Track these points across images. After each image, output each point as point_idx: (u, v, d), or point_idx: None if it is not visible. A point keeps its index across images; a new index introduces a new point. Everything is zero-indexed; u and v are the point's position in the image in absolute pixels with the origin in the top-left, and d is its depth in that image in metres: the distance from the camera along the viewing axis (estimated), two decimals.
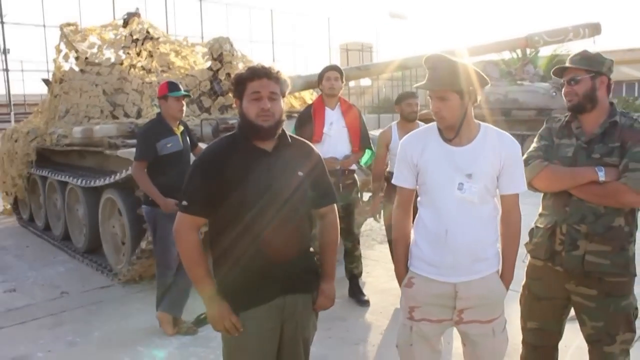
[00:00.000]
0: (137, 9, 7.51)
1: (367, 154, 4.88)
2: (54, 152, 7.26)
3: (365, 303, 4.78)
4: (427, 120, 5.10)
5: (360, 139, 4.69)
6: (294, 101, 7.43)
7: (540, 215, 2.64)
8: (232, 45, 6.76)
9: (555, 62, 24.14)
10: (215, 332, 4.10)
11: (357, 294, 4.88)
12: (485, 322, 2.38)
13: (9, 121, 15.90)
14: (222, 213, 2.11)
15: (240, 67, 7.02)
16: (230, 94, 6.71)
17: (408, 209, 2.50)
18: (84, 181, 5.91)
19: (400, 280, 2.50)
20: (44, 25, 16.69)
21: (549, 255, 2.54)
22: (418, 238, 2.43)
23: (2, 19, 16.12)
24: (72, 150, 6.47)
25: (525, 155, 2.57)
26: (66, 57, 7.15)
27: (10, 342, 4.23)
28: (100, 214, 5.95)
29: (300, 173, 2.20)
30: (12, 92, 17.84)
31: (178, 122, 4.23)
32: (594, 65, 2.45)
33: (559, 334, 2.69)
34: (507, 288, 2.42)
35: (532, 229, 2.66)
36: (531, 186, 2.54)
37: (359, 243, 4.96)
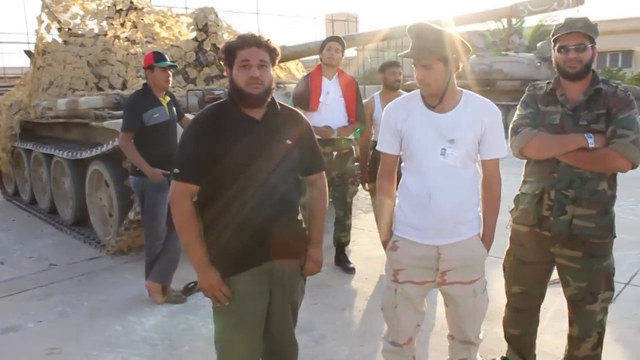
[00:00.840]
0: None
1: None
2: (38, 125, 7.18)
3: (350, 270, 4.88)
4: (411, 90, 5.15)
5: (356, 110, 4.70)
6: (279, 71, 7.41)
7: (525, 182, 2.69)
8: (217, 16, 6.71)
9: (541, 33, 24.13)
10: (204, 300, 4.24)
11: (343, 262, 4.97)
12: (467, 283, 2.45)
13: None
14: (212, 180, 2.14)
15: (226, 38, 7.00)
16: (216, 65, 6.70)
17: (392, 174, 2.55)
18: (69, 153, 5.89)
19: (385, 244, 2.57)
20: None
21: (537, 221, 2.60)
22: (402, 202, 2.49)
23: None
24: (57, 122, 6.42)
25: (512, 124, 2.62)
26: (48, 28, 7.05)
27: (0, 313, 4.27)
28: (87, 186, 5.95)
29: (288, 141, 2.23)
30: None
31: (164, 93, 4.23)
32: (594, 34, 2.47)
33: (541, 297, 2.79)
34: (488, 250, 2.49)
35: (518, 195, 2.72)
36: (522, 154, 2.59)
37: (350, 212, 5.02)
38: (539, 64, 14.55)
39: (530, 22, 23.64)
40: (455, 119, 2.37)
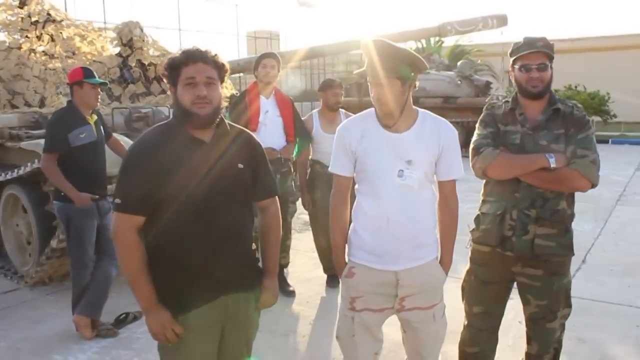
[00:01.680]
0: None
1: (301, 143, 4.79)
2: None
3: (291, 294, 4.73)
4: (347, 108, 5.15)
5: (295, 129, 4.61)
6: None
7: (485, 202, 2.67)
8: (142, 30, 6.44)
9: (458, 52, 25.18)
10: (138, 332, 3.96)
11: (282, 285, 4.79)
12: (426, 308, 2.39)
13: None
14: (156, 209, 1.96)
15: (152, 54, 6.72)
16: (142, 82, 6.40)
17: (346, 197, 2.46)
18: None
19: (340, 271, 2.47)
20: None
21: (499, 241, 2.57)
22: (358, 226, 2.40)
23: None
24: None
25: (472, 144, 2.60)
26: None
27: None
28: (1, 212, 5.46)
29: (240, 165, 2.09)
30: None
31: (91, 111, 3.95)
32: (553, 53, 2.50)
33: (501, 316, 2.76)
34: (447, 273, 2.45)
35: (478, 215, 2.70)
36: (485, 175, 2.57)
37: (290, 232, 4.89)
38: (459, 82, 15.06)
39: (448, 42, 24.58)
40: (412, 139, 2.31)
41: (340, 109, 4.84)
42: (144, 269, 1.96)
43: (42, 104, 5.68)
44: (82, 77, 3.82)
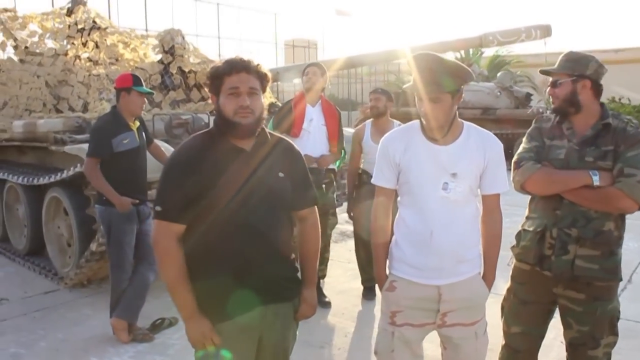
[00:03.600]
0: None
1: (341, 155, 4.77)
2: None
3: (327, 304, 4.68)
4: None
5: (338, 141, 4.59)
6: None
7: (528, 218, 2.58)
8: (184, 38, 6.52)
9: (497, 63, 24.85)
10: (173, 338, 3.97)
11: (318, 296, 4.67)
12: (468, 325, 2.32)
13: None
14: (197, 217, 1.94)
15: (192, 61, 6.80)
16: (182, 89, 6.47)
17: (388, 210, 2.42)
18: (25, 179, 5.52)
19: (381, 284, 2.42)
20: None
21: (537, 259, 2.48)
22: (400, 240, 2.35)
23: None
24: (11, 145, 6.04)
25: (515, 157, 2.52)
26: (3, 46, 6.69)
27: None
28: (44, 214, 5.58)
29: (281, 174, 2.06)
30: None
31: (134, 118, 4.00)
32: (577, 69, 2.41)
33: (541, 338, 2.65)
34: (489, 289, 2.38)
35: (520, 232, 2.61)
36: (523, 189, 2.49)
37: (329, 245, 4.86)
38: (499, 94, 14.84)
39: (487, 52, 24.29)
40: (457, 151, 2.26)
41: (394, 120, 4.80)
42: (184, 277, 1.94)
43: (85, 109, 5.80)
44: (131, 84, 3.87)
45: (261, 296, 2.02)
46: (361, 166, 4.85)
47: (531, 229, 2.52)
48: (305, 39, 32.53)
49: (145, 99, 4.06)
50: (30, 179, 5.42)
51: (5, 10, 6.88)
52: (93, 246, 4.62)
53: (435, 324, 2.32)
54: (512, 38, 6.72)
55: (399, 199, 2.39)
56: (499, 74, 16.29)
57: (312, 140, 4.42)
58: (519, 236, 2.61)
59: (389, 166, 2.33)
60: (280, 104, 5.61)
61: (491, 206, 2.35)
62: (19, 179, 5.62)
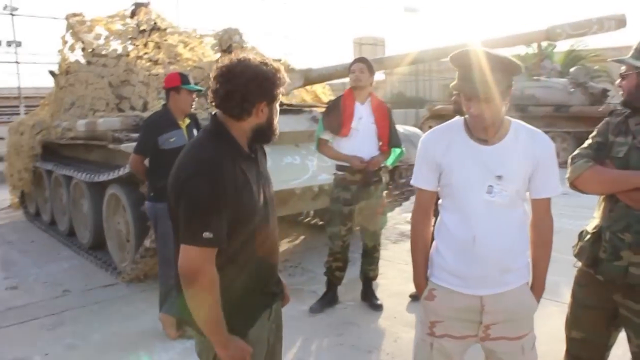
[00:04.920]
0: None
1: (395, 153, 4.59)
2: (61, 146, 7.09)
3: (378, 307, 4.56)
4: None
5: (389, 138, 4.43)
6: (305, 95, 7.21)
7: (592, 218, 2.41)
8: (241, 37, 6.53)
9: (573, 57, 23.73)
10: None
11: (370, 298, 4.65)
12: (514, 339, 2.15)
13: (19, 113, 15.82)
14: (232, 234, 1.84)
15: (251, 59, 6.79)
16: None
17: (428, 213, 2.28)
18: (87, 176, 5.73)
19: (420, 292, 2.28)
20: (54, 18, 16.57)
21: (590, 261, 2.30)
22: (441, 246, 2.21)
23: (12, 11, 16.01)
24: (79, 144, 6.29)
25: (574, 152, 2.35)
26: (72, 49, 6.99)
27: (8, 343, 4.07)
28: (104, 210, 5.76)
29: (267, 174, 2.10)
30: (23, 85, 17.73)
31: (185, 115, 4.03)
32: None
33: (605, 347, 2.42)
34: (538, 301, 2.21)
35: (582, 231, 2.43)
36: (574, 187, 2.33)
37: (380, 244, 4.72)
38: (572, 90, 14.13)
39: (561, 46, 23.25)
40: (503, 152, 2.09)
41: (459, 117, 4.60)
42: (219, 302, 1.81)
43: (144, 107, 5.93)
44: (179, 83, 3.91)
45: (270, 297, 2.06)
46: None
47: (589, 229, 2.35)
48: (373, 37, 32.34)
49: (197, 97, 4.09)
50: (92, 176, 5.61)
51: (74, 15, 7.16)
52: (147, 242, 4.71)
53: (478, 336, 2.17)
54: (583, 30, 6.27)
55: (440, 201, 2.25)
56: (572, 69, 15.51)
57: (360, 139, 4.30)
58: (580, 236, 2.43)
59: (429, 167, 2.19)
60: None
61: (541, 211, 2.17)
62: (82, 176, 5.83)
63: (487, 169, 2.08)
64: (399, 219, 7.71)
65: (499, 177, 2.06)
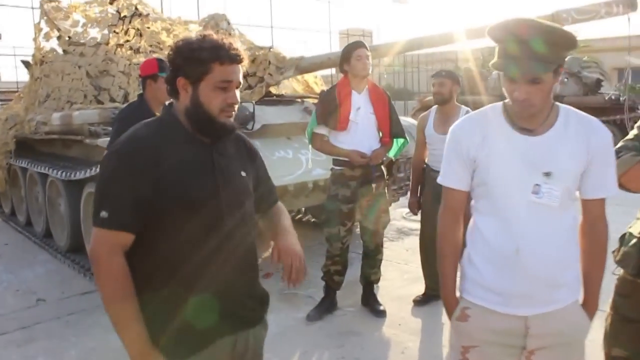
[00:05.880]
0: None
1: (398, 143, 4.23)
2: (37, 141, 6.63)
3: (381, 314, 4.18)
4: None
5: (391, 127, 4.06)
6: (296, 85, 6.82)
7: (638, 220, 2.07)
8: (229, 23, 6.16)
9: None
10: None
11: (372, 303, 4.28)
12: None
13: None
14: (151, 224, 1.55)
15: (239, 47, 6.42)
16: None
17: (459, 216, 1.92)
18: (63, 173, 5.30)
19: (450, 311, 1.92)
20: (32, 8, 15.96)
21: (637, 270, 1.98)
22: (475, 256, 1.85)
23: None
24: (55, 138, 5.85)
25: (618, 144, 1.99)
26: (47, 37, 6.53)
27: None
28: (82, 210, 5.34)
29: (243, 173, 1.74)
30: (4, 79, 17.12)
31: (162, 107, 3.62)
32: None
33: None
34: (591, 320, 1.86)
35: (624, 234, 2.10)
36: (620, 184, 1.97)
37: (382, 245, 4.34)
38: (566, 80, 13.89)
39: None
40: (552, 143, 1.74)
41: (462, 106, 4.23)
42: (134, 301, 1.53)
43: (125, 99, 5.52)
44: (156, 70, 3.49)
45: (232, 323, 1.69)
46: (426, 160, 4.34)
47: (635, 232, 2.02)
48: (360, 28, 31.99)
49: None
50: (68, 173, 5.18)
51: (50, 0, 6.70)
52: None
53: None
54: (590, 15, 5.94)
55: (473, 202, 1.89)
56: (566, 59, 15.28)
57: (360, 133, 3.92)
58: (622, 239, 2.10)
59: (461, 162, 1.83)
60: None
61: (595, 214, 1.83)
62: (58, 174, 5.40)
63: (532, 165, 1.73)
64: (396, 214, 7.36)
65: (548, 174, 1.72)
